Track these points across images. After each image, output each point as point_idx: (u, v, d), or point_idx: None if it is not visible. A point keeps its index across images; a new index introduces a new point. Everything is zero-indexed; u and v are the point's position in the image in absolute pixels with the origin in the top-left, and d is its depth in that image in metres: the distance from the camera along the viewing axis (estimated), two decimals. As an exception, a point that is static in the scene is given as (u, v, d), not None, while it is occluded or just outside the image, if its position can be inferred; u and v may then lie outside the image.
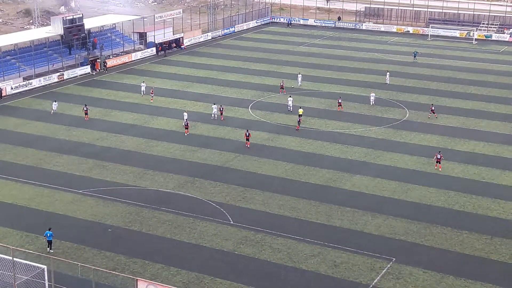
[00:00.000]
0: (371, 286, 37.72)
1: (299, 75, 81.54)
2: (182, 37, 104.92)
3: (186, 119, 64.03)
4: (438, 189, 50.83)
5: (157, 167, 54.67)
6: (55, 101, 69.94)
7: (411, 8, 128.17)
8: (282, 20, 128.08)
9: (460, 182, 52.44)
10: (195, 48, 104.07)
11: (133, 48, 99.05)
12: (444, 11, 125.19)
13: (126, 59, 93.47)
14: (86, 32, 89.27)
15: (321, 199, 48.78)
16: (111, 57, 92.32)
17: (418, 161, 56.55)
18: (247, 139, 59.47)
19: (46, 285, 34.61)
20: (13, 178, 52.19)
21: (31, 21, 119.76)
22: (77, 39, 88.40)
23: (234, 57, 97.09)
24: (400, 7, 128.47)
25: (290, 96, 71.85)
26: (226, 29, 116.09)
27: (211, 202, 48.29)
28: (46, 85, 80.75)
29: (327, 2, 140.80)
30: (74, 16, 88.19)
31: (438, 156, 54.51)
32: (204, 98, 74.97)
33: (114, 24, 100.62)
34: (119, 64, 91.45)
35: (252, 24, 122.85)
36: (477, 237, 43.46)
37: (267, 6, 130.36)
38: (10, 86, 77.09)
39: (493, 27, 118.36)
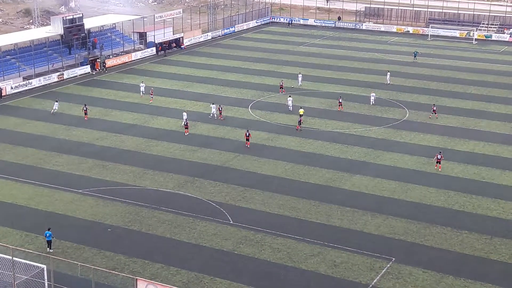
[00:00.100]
0: (370, 286, 37.71)
1: (299, 75, 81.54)
2: (182, 37, 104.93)
3: (185, 119, 64.02)
4: (438, 189, 50.83)
5: (157, 167, 54.67)
6: (57, 101, 69.91)
7: (411, 8, 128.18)
8: (282, 20, 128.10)
9: (460, 182, 52.44)
10: (195, 48, 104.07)
11: (133, 48, 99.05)
12: (444, 11, 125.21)
13: (126, 59, 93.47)
14: (86, 32, 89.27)
15: (321, 199, 48.78)
16: (111, 56, 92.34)
17: (418, 161, 56.55)
18: (247, 139, 59.47)
19: (46, 284, 34.61)
20: (13, 177, 52.18)
21: (31, 21, 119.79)
22: (77, 39, 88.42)
23: (234, 57, 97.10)
24: (400, 7, 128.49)
25: (289, 96, 71.87)
26: (226, 29, 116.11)
27: (211, 202, 48.29)
28: (46, 84, 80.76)
29: (327, 2, 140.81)
30: (74, 16, 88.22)
31: (439, 156, 54.50)
32: (204, 98, 74.96)
33: (114, 24, 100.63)
34: (119, 64, 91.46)
35: (252, 24, 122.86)
36: (477, 237, 43.46)
37: (267, 6, 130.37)
38: (10, 85, 77.11)
39: (493, 27, 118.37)
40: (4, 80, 77.85)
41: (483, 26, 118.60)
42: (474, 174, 54.15)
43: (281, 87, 77.81)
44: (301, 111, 66.01)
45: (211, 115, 67.66)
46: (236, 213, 46.43)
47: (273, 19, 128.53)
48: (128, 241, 42.34)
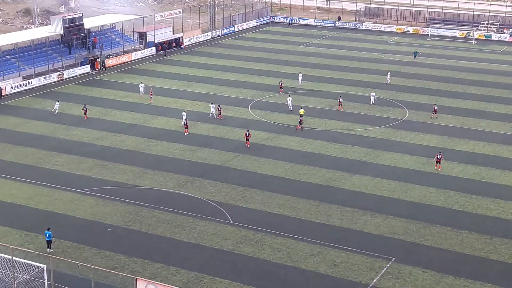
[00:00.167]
0: (370, 285, 37.72)
1: (299, 75, 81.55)
2: (182, 37, 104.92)
3: (185, 119, 64.01)
4: (437, 189, 50.83)
5: (156, 167, 54.66)
6: (58, 101, 69.87)
7: (411, 8, 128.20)
8: (282, 20, 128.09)
9: (460, 182, 52.44)
10: (195, 47, 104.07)
11: (133, 47, 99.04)
12: (444, 11, 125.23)
13: (126, 59, 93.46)
14: (86, 32, 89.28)
15: (321, 199, 48.78)
16: (111, 56, 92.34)
17: (418, 161, 56.56)
18: (247, 139, 59.46)
19: (46, 284, 34.60)
20: (12, 177, 52.18)
21: (31, 20, 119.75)
22: (77, 39, 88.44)
23: (234, 56, 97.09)
24: (400, 7, 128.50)
25: (289, 96, 71.88)
26: (226, 28, 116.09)
27: (210, 201, 48.29)
28: (45, 84, 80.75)
29: (327, 2, 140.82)
30: (74, 16, 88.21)
31: (439, 156, 54.49)
32: (204, 97, 74.95)
33: (114, 23, 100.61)
34: (119, 64, 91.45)
35: (252, 23, 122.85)
36: (477, 237, 43.46)
37: (267, 6, 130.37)
38: (10, 85, 77.08)
39: (493, 27, 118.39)
40: (4, 80, 77.82)
41: (483, 26, 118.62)
42: (474, 174, 54.15)
43: (281, 87, 77.80)
44: (302, 111, 65.95)
45: (210, 114, 67.68)
46: (236, 212, 46.43)
47: (273, 19, 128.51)
48: (128, 241, 42.34)
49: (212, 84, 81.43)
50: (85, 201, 48.06)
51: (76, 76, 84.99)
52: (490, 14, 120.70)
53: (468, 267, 39.88)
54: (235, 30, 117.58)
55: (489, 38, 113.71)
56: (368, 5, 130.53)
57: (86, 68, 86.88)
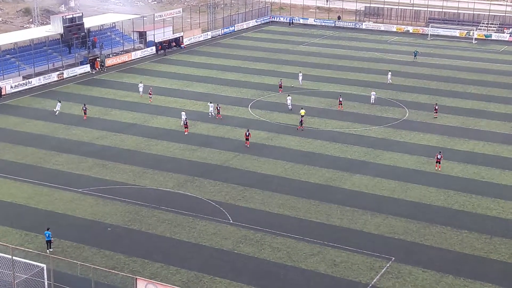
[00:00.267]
0: (370, 285, 37.72)
1: (299, 74, 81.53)
2: (182, 36, 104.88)
3: (185, 119, 63.99)
4: (437, 189, 50.83)
5: (156, 166, 54.66)
6: (59, 102, 69.81)
7: (411, 8, 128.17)
8: (282, 19, 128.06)
9: (460, 181, 52.44)
10: (195, 47, 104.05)
11: (133, 47, 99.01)
12: (444, 10, 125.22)
13: (126, 58, 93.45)
14: (86, 31, 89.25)
15: (321, 198, 48.78)
16: (110, 56, 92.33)
17: (418, 161, 56.56)
18: (247, 139, 59.45)
19: (46, 284, 34.60)
20: (12, 176, 52.18)
21: (31, 20, 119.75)
22: (77, 38, 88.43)
23: (234, 56, 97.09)
24: (400, 7, 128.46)
25: (288, 95, 71.87)
26: (226, 28, 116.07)
27: (210, 201, 48.29)
28: (45, 84, 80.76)
29: (327, 2, 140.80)
30: (74, 15, 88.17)
31: (439, 156, 54.48)
32: (204, 97, 74.93)
33: (114, 23, 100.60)
34: (119, 63, 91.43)
35: (252, 23, 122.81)
36: (477, 237, 43.46)
37: (267, 5, 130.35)
38: (9, 85, 77.07)
39: (493, 27, 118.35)
40: (4, 79, 77.81)
41: (483, 26, 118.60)
42: (473, 173, 54.15)
43: (280, 87, 77.78)
44: (302, 111, 65.87)
45: (210, 114, 67.68)
46: (236, 212, 46.42)
47: (273, 19, 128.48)
48: (128, 240, 42.34)
49: (212, 83, 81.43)
50: (85, 200, 48.06)
51: (76, 75, 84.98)
52: (490, 13, 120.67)
53: (468, 266, 39.88)
54: (235, 30, 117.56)
55: (489, 38, 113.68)
56: (368, 5, 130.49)
57: (86, 68, 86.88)
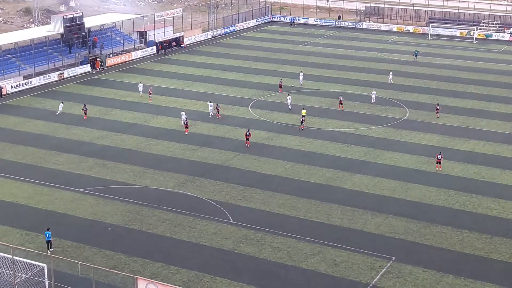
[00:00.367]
0: (371, 285, 37.71)
1: (300, 74, 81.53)
2: (182, 36, 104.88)
3: (185, 118, 63.99)
4: (438, 188, 50.81)
5: (157, 166, 54.66)
6: (62, 102, 69.77)
7: (412, 7, 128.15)
8: (282, 19, 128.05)
9: (460, 181, 52.42)
10: (195, 47, 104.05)
11: (133, 47, 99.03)
12: (444, 10, 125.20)
13: (126, 58, 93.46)
14: (86, 31, 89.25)
15: (321, 198, 48.77)
16: (111, 55, 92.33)
17: (418, 160, 56.54)
18: (247, 139, 59.44)
19: (46, 283, 34.60)
20: (12, 176, 52.19)
21: (31, 19, 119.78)
22: (77, 38, 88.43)
23: (234, 56, 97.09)
24: (400, 6, 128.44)
25: (289, 95, 71.86)
26: (226, 28, 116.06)
27: (211, 201, 48.29)
28: (46, 83, 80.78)
29: (327, 1, 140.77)
30: (74, 15, 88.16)
31: (439, 157, 54.45)
32: (204, 97, 74.92)
33: (114, 22, 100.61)
34: (119, 63, 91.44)
35: (252, 23, 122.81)
36: (477, 236, 43.45)
37: (267, 5, 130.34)
38: (10, 84, 77.09)
39: (494, 27, 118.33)
40: (4, 79, 77.84)
41: (483, 25, 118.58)
42: (474, 173, 54.13)
43: (280, 86, 77.77)
44: (304, 112, 65.82)
45: (211, 113, 67.70)
46: (236, 212, 46.42)
47: (273, 18, 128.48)
48: (128, 240, 42.34)
49: (213, 83, 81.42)
50: (86, 200, 48.06)
51: (76, 75, 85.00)
52: (491, 13, 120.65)
53: (469, 266, 39.87)
54: (236, 30, 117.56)
55: (489, 38, 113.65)
56: (369, 4, 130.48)
57: (87, 68, 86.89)
